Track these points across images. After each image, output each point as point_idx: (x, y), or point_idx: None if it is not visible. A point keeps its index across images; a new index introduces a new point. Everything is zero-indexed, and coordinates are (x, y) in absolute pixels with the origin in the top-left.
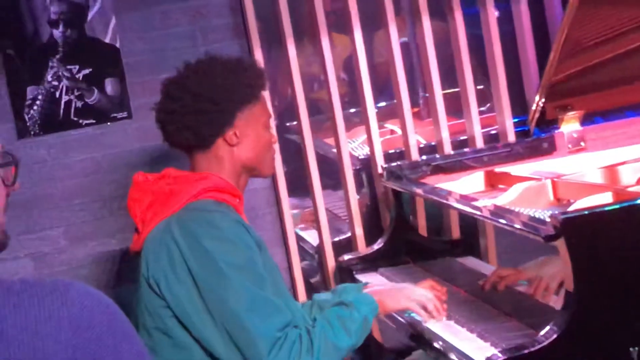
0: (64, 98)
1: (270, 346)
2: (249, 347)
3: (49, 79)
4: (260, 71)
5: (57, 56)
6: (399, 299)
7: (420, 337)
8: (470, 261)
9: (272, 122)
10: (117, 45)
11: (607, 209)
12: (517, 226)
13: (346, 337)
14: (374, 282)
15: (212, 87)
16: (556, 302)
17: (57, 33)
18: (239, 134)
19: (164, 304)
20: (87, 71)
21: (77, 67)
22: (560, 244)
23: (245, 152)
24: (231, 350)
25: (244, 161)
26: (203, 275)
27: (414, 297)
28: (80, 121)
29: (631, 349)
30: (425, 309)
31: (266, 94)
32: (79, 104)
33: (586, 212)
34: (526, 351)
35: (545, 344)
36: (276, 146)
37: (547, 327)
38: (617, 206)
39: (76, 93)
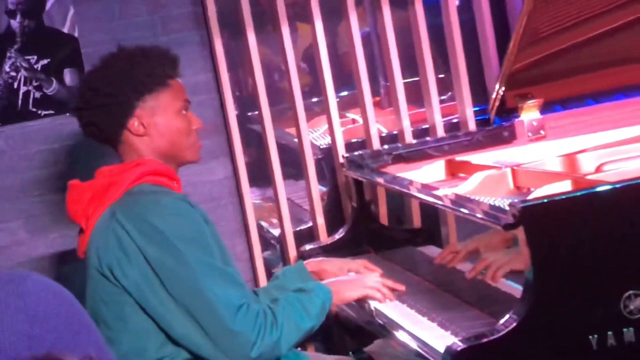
0: (23, 89)
1: (234, 313)
2: (211, 318)
3: (7, 69)
4: (169, 59)
5: (15, 46)
6: (355, 288)
7: (380, 326)
8: (432, 250)
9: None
10: (76, 35)
11: (565, 197)
12: (478, 215)
13: (307, 318)
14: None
15: (109, 80)
16: (516, 290)
17: (14, 23)
18: (145, 123)
19: (121, 291)
20: (45, 61)
21: (36, 57)
22: (520, 232)
23: (157, 140)
24: (190, 329)
25: (159, 150)
26: (155, 253)
27: (367, 284)
28: (39, 112)
29: (590, 337)
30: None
31: (226, 85)
32: (38, 94)
33: (545, 201)
34: (485, 340)
35: (504, 332)
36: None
37: (507, 316)
38: (575, 194)
39: (35, 84)
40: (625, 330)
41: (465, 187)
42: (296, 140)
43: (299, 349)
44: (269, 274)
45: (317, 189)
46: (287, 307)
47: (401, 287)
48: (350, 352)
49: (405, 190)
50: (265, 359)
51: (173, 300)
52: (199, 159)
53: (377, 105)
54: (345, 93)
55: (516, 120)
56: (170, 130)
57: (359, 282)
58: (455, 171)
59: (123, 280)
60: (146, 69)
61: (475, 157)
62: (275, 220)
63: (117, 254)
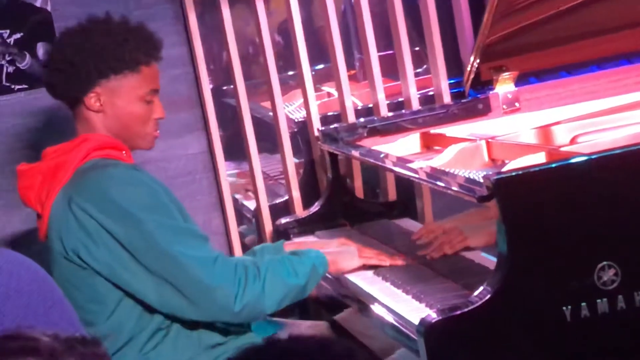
0: None
1: (210, 268)
2: (188, 280)
3: None
4: (149, 45)
5: None
6: (352, 258)
7: (353, 297)
8: (407, 222)
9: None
10: (49, 9)
11: (539, 168)
12: (453, 188)
13: (294, 275)
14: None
15: (79, 49)
16: (490, 262)
17: None
18: (102, 101)
19: (91, 273)
20: (18, 36)
21: (8, 31)
22: (493, 204)
23: (111, 120)
24: (168, 296)
25: (111, 129)
26: (117, 227)
27: (366, 254)
28: (13, 86)
29: (564, 308)
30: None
31: (200, 58)
32: (11, 69)
33: (519, 172)
34: (459, 312)
35: (478, 304)
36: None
37: (481, 288)
38: (549, 166)
39: (7, 58)
40: (599, 301)
41: (440, 159)
42: (271, 114)
43: (275, 318)
44: (245, 248)
45: (293, 163)
46: (273, 262)
47: (399, 261)
48: (327, 322)
49: (381, 163)
50: (250, 312)
51: (146, 270)
52: (152, 147)
53: (352, 78)
54: (320, 66)
55: (491, 92)
56: (125, 114)
57: (352, 253)
58: (430, 144)
59: (91, 262)
60: (119, 50)
61: (450, 130)
62: (251, 194)
63: (80, 237)
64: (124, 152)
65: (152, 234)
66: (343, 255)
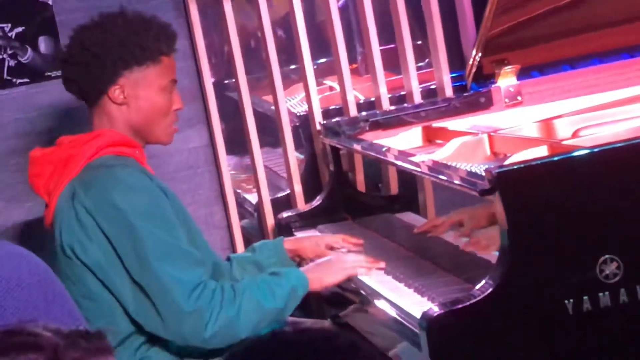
0: None
1: (188, 294)
2: (164, 299)
3: None
4: (167, 35)
5: None
6: (336, 272)
7: (357, 293)
8: (409, 216)
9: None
10: (50, 2)
11: (541, 162)
12: (455, 181)
13: (271, 298)
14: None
15: (101, 41)
16: (492, 256)
17: None
18: (126, 93)
19: (84, 269)
20: (19, 29)
21: (9, 25)
22: (495, 198)
23: (134, 113)
24: (144, 308)
25: (133, 123)
26: (113, 230)
27: (348, 265)
28: (14, 80)
29: (566, 301)
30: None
31: (202, 52)
32: (12, 62)
33: (520, 166)
34: (461, 305)
35: (480, 297)
36: (215, 111)
37: (483, 281)
38: (551, 159)
39: (9, 52)
40: (601, 294)
41: (442, 153)
42: (273, 107)
43: None
44: (247, 242)
45: (294, 157)
46: (251, 285)
47: (381, 265)
48: (328, 319)
49: (382, 157)
50: (223, 338)
51: (129, 277)
52: (170, 142)
53: (354, 72)
54: (322, 60)
55: (493, 86)
56: (149, 106)
57: (338, 264)
58: (432, 138)
59: (84, 258)
60: (141, 41)
61: (452, 124)
62: (252, 188)
63: (77, 233)
64: (137, 150)
65: (142, 245)
66: (326, 270)
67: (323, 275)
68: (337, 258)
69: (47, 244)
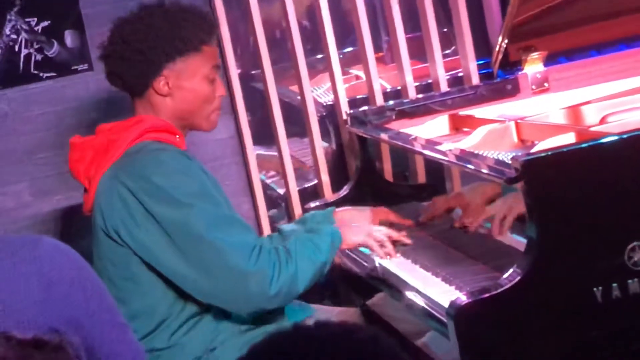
0: (24, 51)
1: (248, 255)
2: (226, 267)
3: (7, 32)
4: (207, 24)
5: (15, 9)
6: (359, 234)
7: (385, 281)
8: None
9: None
10: None
11: (568, 149)
12: (482, 170)
13: (318, 252)
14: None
15: (143, 35)
16: (520, 244)
17: None
18: (171, 84)
19: (129, 252)
20: (45, 23)
21: (36, 19)
22: (522, 186)
23: (180, 103)
24: (204, 283)
25: (179, 112)
26: (162, 211)
27: (372, 233)
28: (41, 74)
29: (595, 289)
30: (382, 246)
31: (227, 43)
32: (39, 57)
33: (548, 154)
34: (489, 294)
35: (508, 286)
36: (237, 99)
37: (511, 270)
38: (579, 146)
39: (36, 46)
40: (630, 282)
41: (469, 141)
42: (299, 97)
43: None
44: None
45: (321, 147)
46: (299, 242)
47: (407, 241)
48: (358, 307)
49: (409, 146)
50: (284, 296)
51: (183, 256)
52: (214, 127)
53: (380, 61)
54: (348, 49)
55: (520, 73)
56: (193, 95)
57: (364, 229)
58: (459, 126)
59: (130, 241)
60: (182, 32)
61: (478, 111)
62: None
63: (122, 216)
64: (177, 136)
65: (194, 219)
66: (351, 230)
67: (347, 232)
68: (366, 223)
69: (75, 236)
